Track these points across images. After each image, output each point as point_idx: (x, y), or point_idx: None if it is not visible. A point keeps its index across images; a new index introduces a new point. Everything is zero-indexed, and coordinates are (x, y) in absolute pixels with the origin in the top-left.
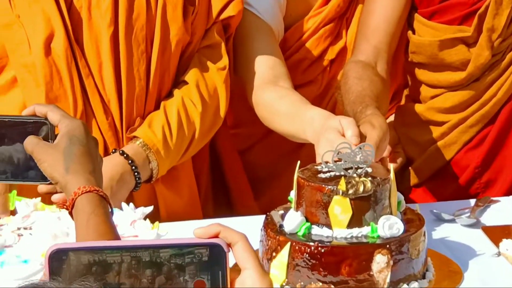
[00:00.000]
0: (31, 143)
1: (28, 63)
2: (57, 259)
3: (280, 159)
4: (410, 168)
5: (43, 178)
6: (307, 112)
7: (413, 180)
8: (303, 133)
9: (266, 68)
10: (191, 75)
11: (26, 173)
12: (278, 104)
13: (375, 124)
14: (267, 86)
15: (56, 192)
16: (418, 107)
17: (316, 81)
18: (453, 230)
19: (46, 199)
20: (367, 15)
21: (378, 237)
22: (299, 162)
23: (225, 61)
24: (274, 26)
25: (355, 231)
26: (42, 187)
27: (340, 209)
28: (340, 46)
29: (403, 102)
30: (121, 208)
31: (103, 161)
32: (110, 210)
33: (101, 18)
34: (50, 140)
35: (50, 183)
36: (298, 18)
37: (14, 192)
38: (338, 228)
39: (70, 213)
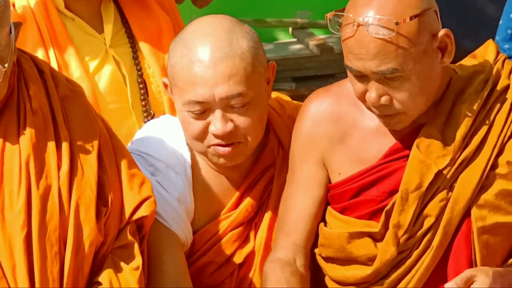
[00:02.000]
0: None
1: None
2: None
3: None
4: None
5: None
6: None
7: None
8: None
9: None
10: (105, 276)
11: None
12: None
13: None
14: None
15: None
16: None
17: (223, 285)
18: None
19: None
20: (285, 212)
21: None
22: None
23: (138, 261)
24: (181, 233)
25: None
26: None
27: None
28: (248, 250)
29: None
30: None
31: None
32: None
33: (14, 220)
34: None
35: None
36: (207, 222)
37: None
38: None
39: None
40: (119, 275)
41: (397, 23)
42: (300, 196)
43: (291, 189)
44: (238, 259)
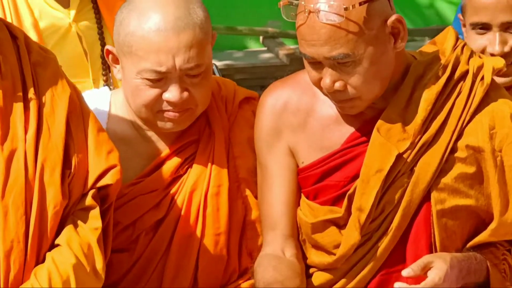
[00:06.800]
0: None
1: None
2: None
3: None
4: None
5: None
6: None
7: None
8: None
9: None
10: (64, 233)
11: None
12: None
13: None
14: None
15: None
16: None
17: (127, 251)
18: None
19: None
20: (265, 206)
21: None
22: None
23: (98, 223)
24: None
25: None
26: None
27: None
28: (157, 217)
29: None
30: None
31: None
32: None
33: None
34: None
35: None
36: None
37: None
38: None
39: None
40: (78, 230)
41: (346, 9)
42: (276, 186)
43: (266, 183)
44: (144, 224)
